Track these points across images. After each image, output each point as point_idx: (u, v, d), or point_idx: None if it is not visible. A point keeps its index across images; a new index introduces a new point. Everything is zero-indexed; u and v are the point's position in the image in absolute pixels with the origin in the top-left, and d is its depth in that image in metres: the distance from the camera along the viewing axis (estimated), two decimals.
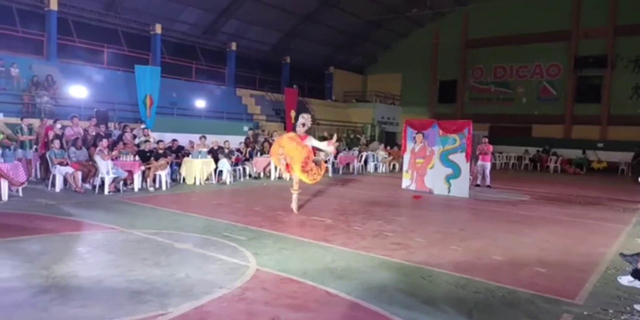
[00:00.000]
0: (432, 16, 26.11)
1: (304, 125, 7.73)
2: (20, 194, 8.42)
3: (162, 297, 3.68)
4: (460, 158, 10.77)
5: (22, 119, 10.87)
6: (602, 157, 22.12)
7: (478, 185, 12.77)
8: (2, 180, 7.89)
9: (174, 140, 12.00)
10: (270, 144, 14.23)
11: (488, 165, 13.04)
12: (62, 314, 3.32)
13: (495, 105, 26.74)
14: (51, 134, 10.18)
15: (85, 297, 3.67)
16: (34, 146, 10.72)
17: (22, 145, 10.38)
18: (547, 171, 20.98)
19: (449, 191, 10.88)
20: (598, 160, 21.94)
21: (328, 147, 7.81)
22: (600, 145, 22.79)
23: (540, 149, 22.78)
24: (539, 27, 24.39)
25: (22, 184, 8.45)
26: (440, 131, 11.11)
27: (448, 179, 10.93)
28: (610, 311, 3.76)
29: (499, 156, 22.80)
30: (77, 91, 14.34)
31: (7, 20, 15.62)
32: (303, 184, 8.01)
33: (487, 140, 13.36)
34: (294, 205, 7.84)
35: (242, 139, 15.03)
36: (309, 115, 8.01)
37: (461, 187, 10.76)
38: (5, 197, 7.94)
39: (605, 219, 8.37)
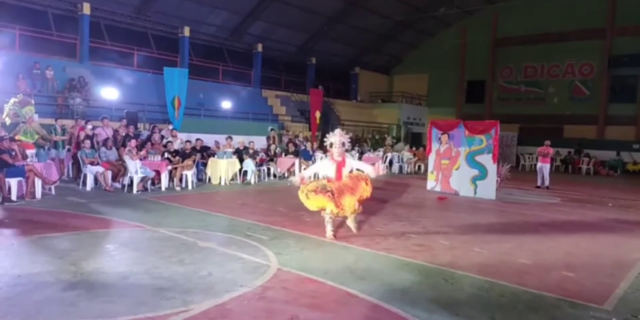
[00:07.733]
0: (459, 15, 25.71)
1: (343, 144, 6.16)
2: (53, 192, 8.71)
3: (185, 294, 3.75)
4: (486, 159, 10.58)
5: (56, 120, 11.23)
6: (638, 158, 21.34)
7: (538, 187, 13.06)
8: (36, 179, 8.18)
9: (198, 139, 12.17)
10: (295, 144, 14.37)
11: (547, 166, 13.28)
12: (88, 309, 3.42)
13: (525, 105, 26.13)
14: (82, 135, 10.49)
15: (111, 293, 3.77)
16: (67, 146, 11.05)
17: (55, 145, 10.70)
18: (580, 173, 20.38)
19: (475, 193, 10.69)
20: (633, 162, 21.18)
21: (372, 173, 6.24)
22: (635, 146, 21.95)
23: (572, 151, 22.12)
24: (571, 25, 23.77)
25: (55, 182, 8.76)
26: (467, 132, 10.93)
27: (474, 180, 10.75)
28: None
29: (528, 157, 22.26)
30: (108, 93, 14.72)
31: (42, 24, 16.18)
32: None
33: (549, 143, 13.46)
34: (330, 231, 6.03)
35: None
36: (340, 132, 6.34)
37: (488, 189, 10.55)
38: (39, 195, 8.23)
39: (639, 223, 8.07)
